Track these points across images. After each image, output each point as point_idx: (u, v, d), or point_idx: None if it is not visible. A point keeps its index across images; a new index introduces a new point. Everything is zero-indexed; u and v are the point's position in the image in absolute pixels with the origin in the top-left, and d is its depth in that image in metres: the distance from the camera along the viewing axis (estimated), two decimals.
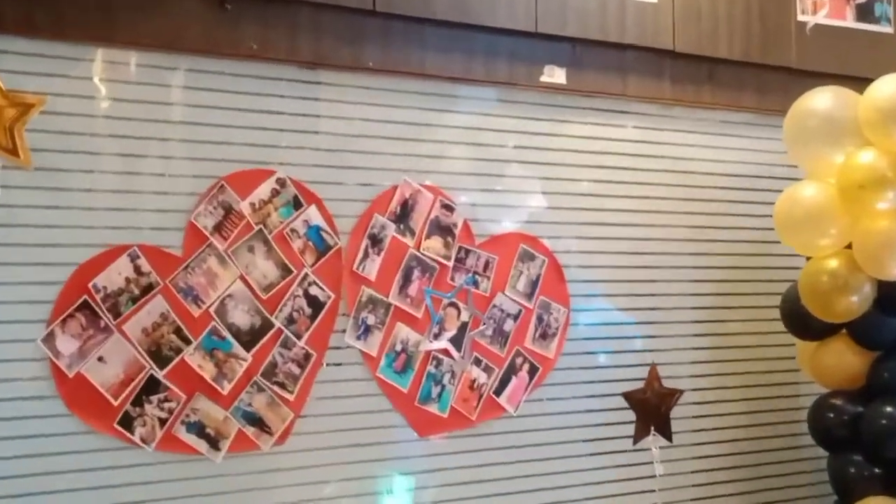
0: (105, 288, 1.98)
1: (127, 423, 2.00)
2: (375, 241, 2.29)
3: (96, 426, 1.98)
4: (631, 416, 2.59)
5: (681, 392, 2.66)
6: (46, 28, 1.95)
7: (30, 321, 1.94)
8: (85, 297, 1.97)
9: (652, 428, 2.59)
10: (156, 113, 2.07)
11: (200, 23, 2.06)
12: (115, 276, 2.00)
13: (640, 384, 2.61)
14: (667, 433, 2.63)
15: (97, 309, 1.98)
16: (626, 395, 2.59)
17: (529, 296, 2.47)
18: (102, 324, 1.98)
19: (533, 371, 2.46)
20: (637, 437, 2.58)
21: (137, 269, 2.03)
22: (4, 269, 1.94)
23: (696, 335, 2.69)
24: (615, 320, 2.58)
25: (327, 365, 2.22)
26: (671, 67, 2.56)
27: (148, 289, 2.03)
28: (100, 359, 1.97)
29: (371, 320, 2.27)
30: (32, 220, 1.96)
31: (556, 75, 2.42)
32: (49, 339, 1.94)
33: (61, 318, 1.95)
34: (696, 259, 2.69)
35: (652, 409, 2.60)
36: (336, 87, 2.25)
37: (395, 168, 2.32)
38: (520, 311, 2.45)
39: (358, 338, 2.26)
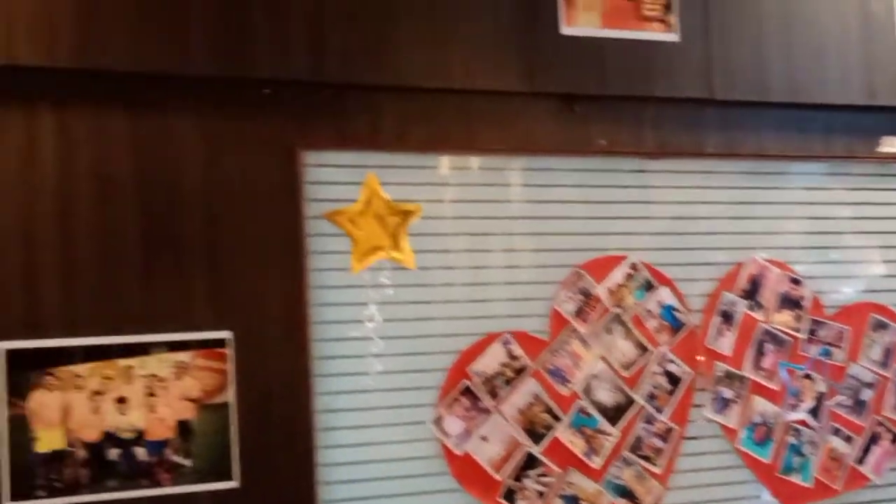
0: (483, 372, 2.13)
1: (510, 496, 2.12)
2: (726, 317, 2.36)
3: (483, 500, 2.11)
4: None
5: None
6: (419, 143, 2.14)
7: (419, 405, 2.12)
8: (466, 381, 2.12)
9: None
10: (524, 210, 2.22)
11: (550, 125, 2.24)
12: (491, 361, 2.14)
13: None
14: None
15: (476, 392, 2.12)
16: None
17: (884, 364, 2.46)
18: (482, 405, 2.13)
19: None
20: None
21: (510, 354, 2.17)
22: (394, 360, 2.11)
23: None
24: None
25: (688, 439, 2.29)
26: None
27: (520, 371, 2.17)
28: (482, 437, 2.11)
29: (728, 394, 2.31)
30: (417, 314, 2.14)
31: (894, 145, 2.43)
32: (438, 421, 2.11)
33: (447, 400, 2.12)
34: None
35: None
36: (677, 173, 2.37)
37: (736, 246, 2.40)
38: (876, 379, 2.43)
39: (717, 411, 2.30)
